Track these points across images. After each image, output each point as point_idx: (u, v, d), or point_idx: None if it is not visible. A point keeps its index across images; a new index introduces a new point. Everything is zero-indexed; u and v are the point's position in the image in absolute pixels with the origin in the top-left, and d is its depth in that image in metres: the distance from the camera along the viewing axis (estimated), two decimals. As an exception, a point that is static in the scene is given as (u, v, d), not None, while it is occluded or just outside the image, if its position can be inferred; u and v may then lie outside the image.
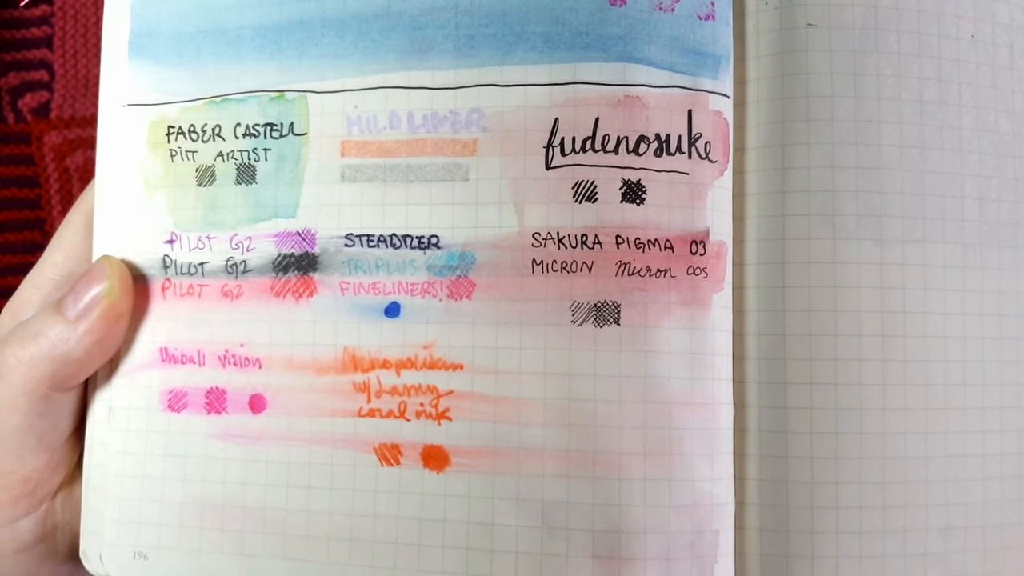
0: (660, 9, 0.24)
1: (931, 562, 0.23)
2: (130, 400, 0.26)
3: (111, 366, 0.26)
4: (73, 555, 0.27)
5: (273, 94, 0.25)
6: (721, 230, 0.24)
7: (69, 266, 0.27)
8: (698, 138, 0.23)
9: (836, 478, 0.23)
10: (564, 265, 0.23)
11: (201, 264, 0.25)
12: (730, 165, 0.24)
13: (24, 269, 0.28)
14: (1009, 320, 0.25)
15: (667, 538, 0.22)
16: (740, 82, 0.25)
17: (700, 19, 0.24)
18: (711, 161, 0.24)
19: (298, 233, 0.25)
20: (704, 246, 0.23)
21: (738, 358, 0.24)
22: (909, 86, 0.25)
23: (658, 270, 0.23)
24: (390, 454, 0.24)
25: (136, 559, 0.25)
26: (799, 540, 0.23)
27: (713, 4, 0.24)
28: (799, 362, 0.24)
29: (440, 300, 0.24)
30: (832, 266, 0.24)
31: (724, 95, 0.24)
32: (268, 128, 0.25)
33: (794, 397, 0.24)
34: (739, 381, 0.24)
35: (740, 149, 0.25)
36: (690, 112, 0.23)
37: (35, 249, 0.36)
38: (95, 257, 0.26)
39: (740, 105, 0.25)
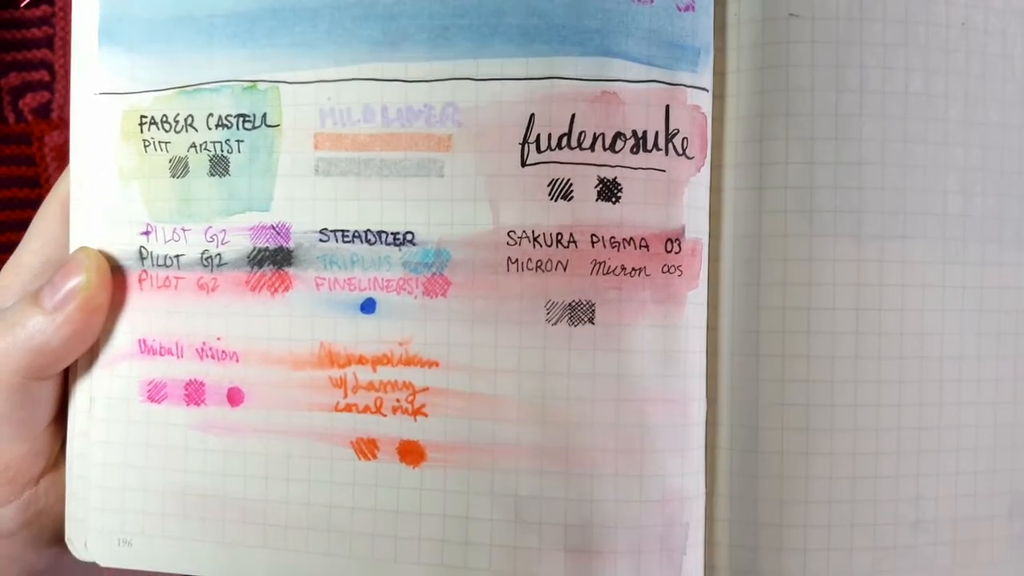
0: (639, 1, 0.24)
1: (900, 554, 0.25)
2: (110, 390, 0.27)
3: (91, 356, 0.27)
4: (59, 539, 0.28)
5: (245, 84, 0.26)
6: (697, 227, 0.24)
7: (48, 253, 0.28)
8: (675, 134, 0.24)
9: (806, 473, 0.24)
10: (539, 264, 0.24)
11: (177, 256, 0.26)
12: (708, 160, 0.25)
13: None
14: (989, 315, 0.26)
15: (637, 531, 0.24)
16: (720, 73, 0.25)
17: (679, 10, 0.24)
18: (688, 157, 0.24)
19: (272, 227, 0.25)
20: (679, 244, 0.24)
21: (711, 353, 0.25)
22: (894, 78, 0.25)
23: (633, 269, 0.24)
24: (367, 448, 0.25)
25: (120, 546, 0.27)
26: (768, 532, 0.25)
27: (694, -6, 0.24)
28: (772, 358, 0.25)
29: (415, 297, 0.25)
30: (808, 263, 0.25)
31: (703, 88, 0.25)
32: (241, 119, 0.26)
33: (766, 393, 0.25)
34: (712, 375, 0.25)
35: (719, 143, 0.25)
36: (668, 107, 0.24)
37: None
38: (72, 247, 0.27)
39: (720, 97, 0.25)
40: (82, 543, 0.27)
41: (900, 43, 0.25)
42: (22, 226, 0.29)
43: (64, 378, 0.28)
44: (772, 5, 0.25)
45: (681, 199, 0.24)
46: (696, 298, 0.25)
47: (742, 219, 0.25)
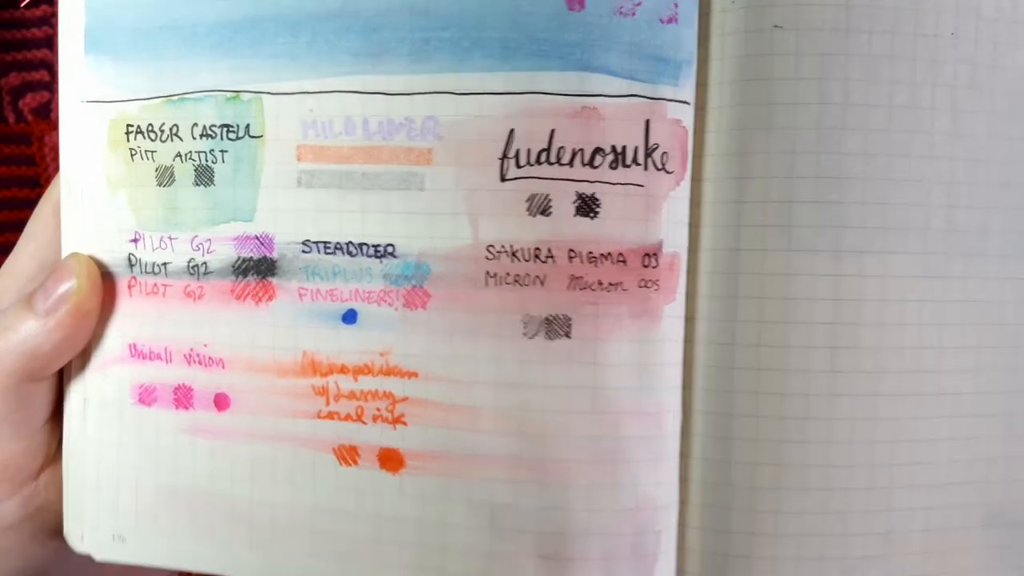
0: (620, 13, 0.24)
1: (870, 564, 0.25)
2: (103, 393, 0.28)
3: (84, 359, 0.28)
4: (59, 532, 0.29)
5: (229, 94, 0.26)
6: (675, 241, 0.25)
7: (43, 256, 0.29)
8: (655, 149, 0.24)
9: (777, 483, 0.25)
10: (517, 278, 0.24)
11: (164, 264, 0.27)
12: (688, 173, 0.25)
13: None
14: (970, 329, 0.26)
15: (610, 539, 0.24)
16: (703, 84, 0.25)
17: (662, 22, 0.24)
18: (667, 172, 0.24)
19: (256, 237, 0.26)
20: (657, 259, 0.24)
21: (687, 364, 0.26)
22: (879, 91, 0.25)
23: (610, 283, 0.24)
24: (348, 455, 0.26)
25: (115, 542, 0.28)
26: (738, 540, 0.25)
27: (676, 5, 0.24)
28: (746, 371, 0.25)
29: (396, 309, 0.25)
30: (785, 278, 0.25)
31: (684, 102, 0.25)
32: (225, 129, 0.26)
33: (739, 405, 0.25)
34: (687, 387, 0.26)
35: (700, 155, 0.26)
36: (648, 122, 0.24)
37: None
38: (63, 253, 0.28)
39: (702, 109, 0.25)
40: (79, 536, 0.28)
41: (886, 55, 0.25)
42: (22, 226, 0.30)
43: (59, 378, 0.29)
44: (756, 16, 0.25)
45: (660, 214, 0.25)
46: (673, 311, 0.25)
47: (720, 232, 0.25)
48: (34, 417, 0.28)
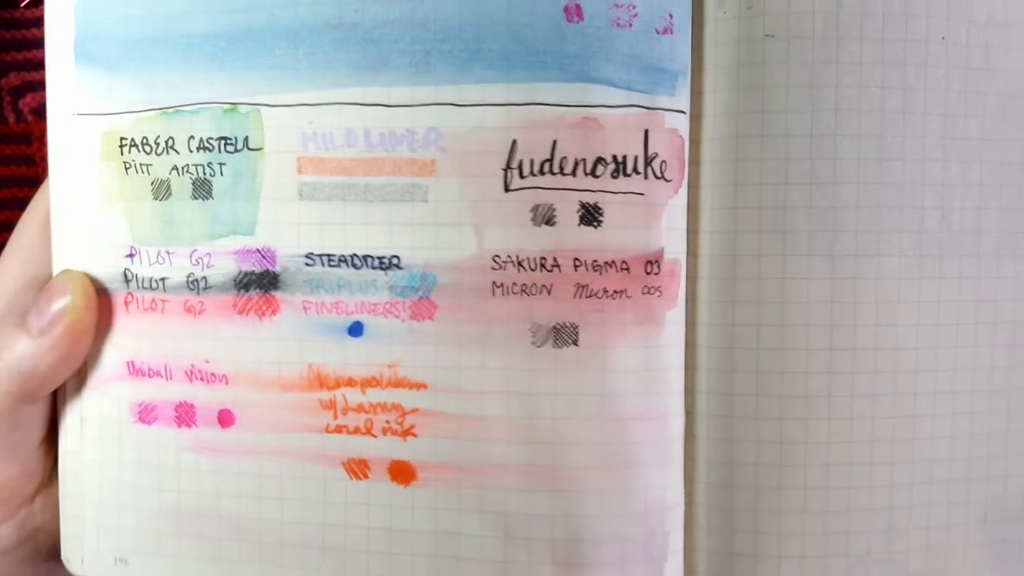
0: (617, 25, 0.25)
1: (872, 561, 0.27)
2: (100, 412, 0.28)
3: (80, 378, 0.28)
4: (55, 554, 0.29)
5: (226, 106, 0.26)
6: (675, 248, 0.26)
7: (30, 271, 0.29)
8: (654, 158, 0.25)
9: (780, 483, 0.26)
10: (524, 288, 0.25)
11: (162, 279, 0.27)
12: (685, 181, 0.26)
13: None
14: (966, 328, 0.27)
15: (622, 544, 0.25)
16: (697, 93, 0.26)
17: (658, 33, 0.25)
18: (666, 180, 0.25)
19: (258, 251, 0.26)
20: (659, 265, 0.25)
21: (689, 368, 0.27)
22: (870, 96, 0.26)
23: (614, 291, 0.25)
24: (358, 468, 0.26)
25: (117, 564, 0.28)
26: (743, 539, 0.26)
27: (671, 16, 0.25)
28: (746, 374, 0.26)
29: (403, 320, 0.26)
30: (782, 281, 0.26)
31: (680, 111, 0.26)
32: (223, 142, 0.26)
33: (741, 407, 0.26)
34: (690, 390, 0.27)
35: (696, 162, 0.27)
36: (647, 132, 0.25)
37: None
38: (55, 269, 0.28)
39: (696, 117, 0.26)
40: (79, 560, 0.28)
41: (877, 61, 0.26)
42: None
43: (53, 397, 0.29)
44: (748, 26, 0.26)
45: (660, 221, 0.25)
46: (675, 317, 0.26)
47: (717, 238, 0.26)
48: (29, 439, 0.28)
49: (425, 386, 0.26)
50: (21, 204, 0.38)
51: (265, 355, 0.26)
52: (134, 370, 0.27)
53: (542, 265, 0.25)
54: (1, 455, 0.27)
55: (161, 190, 0.27)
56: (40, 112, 0.39)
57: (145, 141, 0.27)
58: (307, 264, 0.26)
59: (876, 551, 0.26)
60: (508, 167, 0.25)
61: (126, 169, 0.27)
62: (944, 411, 0.27)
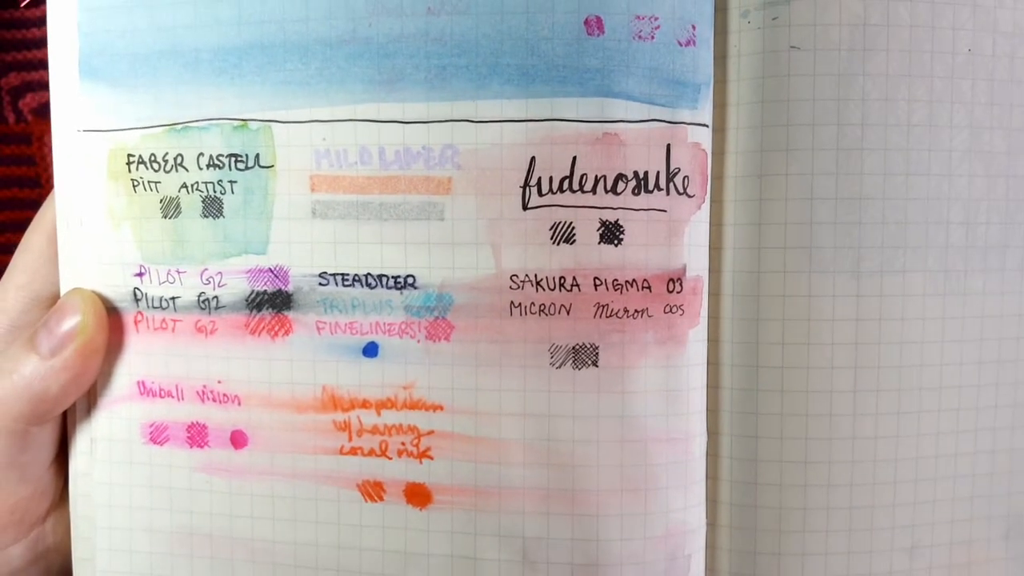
0: (639, 38, 0.24)
1: (895, 578, 0.27)
2: (111, 432, 0.28)
3: (89, 398, 0.28)
4: (66, 574, 0.29)
5: (236, 123, 0.26)
6: (698, 265, 0.26)
7: (36, 288, 0.29)
8: (676, 173, 0.25)
9: (804, 504, 0.26)
10: (542, 308, 0.25)
11: (172, 299, 0.27)
12: (708, 196, 0.26)
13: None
14: (990, 344, 0.27)
15: (642, 568, 0.25)
16: (721, 105, 0.26)
17: (680, 45, 0.25)
18: (689, 196, 0.25)
19: (271, 270, 0.26)
20: (681, 283, 0.25)
21: (713, 386, 0.26)
22: (897, 109, 0.26)
23: (636, 311, 0.25)
24: (373, 491, 0.26)
25: (129, 586, 0.28)
26: (766, 561, 0.26)
27: (694, 28, 0.25)
28: (771, 393, 0.26)
29: (418, 341, 0.25)
30: (807, 299, 0.26)
31: (703, 125, 0.25)
32: (233, 159, 0.26)
33: (765, 427, 0.26)
34: (713, 410, 0.27)
35: (719, 177, 0.26)
36: (668, 147, 0.25)
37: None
38: (63, 288, 0.28)
39: (720, 131, 0.26)
40: (90, 582, 0.28)
41: (904, 73, 0.26)
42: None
43: (63, 417, 0.29)
44: (773, 37, 0.26)
45: (682, 238, 0.25)
46: (697, 335, 0.26)
47: (741, 255, 0.26)
48: (39, 459, 0.28)
49: (441, 408, 0.26)
50: (21, 204, 0.38)
51: (278, 376, 0.26)
52: (145, 390, 0.27)
53: (561, 284, 0.25)
54: (12, 476, 0.27)
55: (170, 208, 0.27)
56: (40, 112, 0.39)
57: (153, 158, 0.27)
58: (321, 283, 0.26)
59: (899, 569, 0.26)
60: (526, 184, 0.25)
61: (134, 186, 0.27)
62: (967, 427, 0.27)
